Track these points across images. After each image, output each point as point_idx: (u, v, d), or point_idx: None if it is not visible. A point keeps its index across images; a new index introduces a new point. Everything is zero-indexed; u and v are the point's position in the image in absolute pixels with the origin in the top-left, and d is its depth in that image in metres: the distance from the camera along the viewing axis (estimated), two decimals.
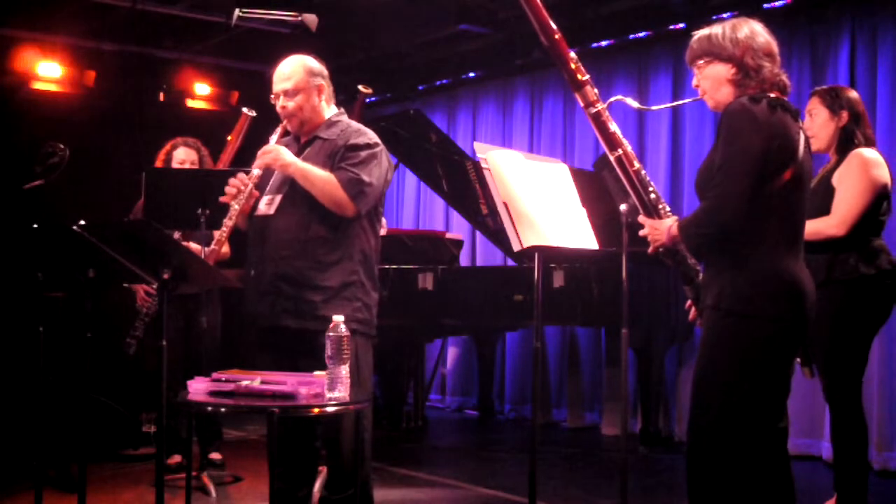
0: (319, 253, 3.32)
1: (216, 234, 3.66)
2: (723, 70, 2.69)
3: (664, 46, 6.41)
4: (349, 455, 3.30)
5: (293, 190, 3.35)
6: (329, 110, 3.50)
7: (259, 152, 3.37)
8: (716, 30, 2.72)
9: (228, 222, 3.47)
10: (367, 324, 3.39)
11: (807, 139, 2.71)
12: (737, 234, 2.59)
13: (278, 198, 3.39)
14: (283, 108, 3.42)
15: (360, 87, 5.59)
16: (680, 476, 2.79)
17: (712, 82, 2.72)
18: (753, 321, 2.58)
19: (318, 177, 3.29)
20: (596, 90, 2.85)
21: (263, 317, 3.38)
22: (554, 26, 2.85)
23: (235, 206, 3.41)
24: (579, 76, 2.84)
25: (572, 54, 2.85)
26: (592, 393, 6.67)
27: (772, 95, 2.63)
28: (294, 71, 3.42)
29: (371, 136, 3.43)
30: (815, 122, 3.81)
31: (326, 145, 3.41)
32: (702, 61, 2.73)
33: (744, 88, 2.66)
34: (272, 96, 3.46)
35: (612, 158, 2.85)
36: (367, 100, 7.12)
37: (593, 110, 2.84)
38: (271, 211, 3.38)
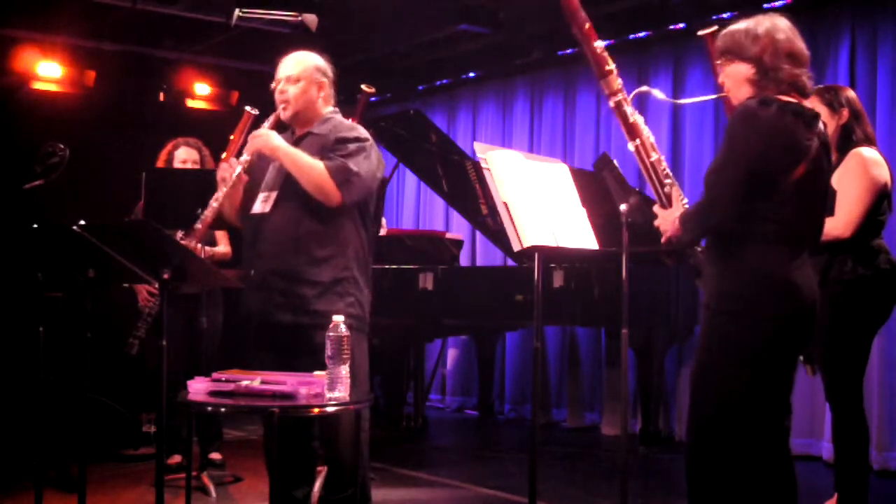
0: (312, 248, 3.32)
1: (206, 213, 3.62)
2: (743, 69, 2.68)
3: (664, 46, 6.41)
4: (347, 455, 3.31)
5: (287, 187, 3.36)
6: (325, 109, 3.51)
7: (249, 137, 3.40)
8: (740, 26, 2.70)
9: (214, 203, 3.48)
10: (359, 319, 3.39)
11: (825, 144, 2.69)
12: (733, 233, 2.59)
13: (273, 195, 3.40)
14: (282, 92, 3.45)
15: (363, 87, 5.58)
16: (680, 476, 2.79)
17: (733, 81, 2.72)
18: (744, 320, 2.59)
19: (305, 162, 3.30)
20: (620, 80, 2.86)
21: (257, 312, 3.38)
22: (584, 14, 2.86)
23: (223, 188, 3.42)
24: (605, 65, 2.84)
25: (600, 43, 2.86)
26: (592, 393, 6.67)
27: (786, 99, 2.61)
28: (301, 61, 3.47)
29: (361, 131, 3.45)
30: None
31: (317, 140, 3.42)
32: (724, 59, 2.73)
33: (762, 89, 2.64)
34: (274, 83, 3.48)
35: (630, 148, 2.86)
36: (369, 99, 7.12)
37: (616, 99, 2.85)
38: (266, 209, 3.39)
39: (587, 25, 2.86)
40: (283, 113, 3.47)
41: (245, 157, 3.40)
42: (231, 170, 3.41)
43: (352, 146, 3.36)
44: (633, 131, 2.85)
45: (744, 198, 2.56)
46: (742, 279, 2.60)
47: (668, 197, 2.82)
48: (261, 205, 3.43)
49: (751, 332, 2.59)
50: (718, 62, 2.76)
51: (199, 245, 4.13)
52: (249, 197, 3.50)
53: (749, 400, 2.61)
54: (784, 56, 2.65)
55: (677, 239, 2.79)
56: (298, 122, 3.49)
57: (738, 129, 2.59)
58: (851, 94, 3.85)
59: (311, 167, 3.30)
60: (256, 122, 4.44)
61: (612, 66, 2.85)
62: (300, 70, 3.44)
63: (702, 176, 2.76)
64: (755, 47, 2.65)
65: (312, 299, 3.29)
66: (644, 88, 3.01)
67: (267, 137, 3.36)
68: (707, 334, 2.67)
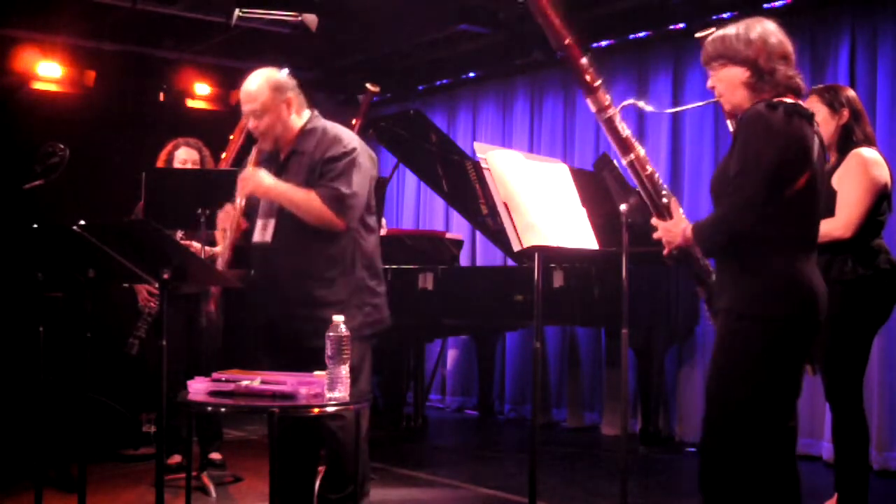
0: (322, 270, 3.34)
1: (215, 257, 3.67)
2: (737, 73, 2.67)
3: (664, 46, 6.40)
4: (347, 454, 3.30)
5: (284, 214, 3.35)
6: (301, 119, 3.47)
7: (239, 179, 3.37)
8: (730, 31, 2.70)
9: (221, 261, 3.48)
10: (379, 322, 3.46)
11: (822, 143, 2.70)
12: (751, 238, 2.59)
13: (272, 223, 3.39)
14: (255, 128, 3.42)
15: (368, 86, 5.58)
16: (680, 476, 2.80)
17: (727, 85, 2.71)
18: (767, 323, 2.59)
19: (301, 198, 3.30)
20: (608, 95, 2.84)
21: (285, 339, 3.38)
22: (565, 31, 2.84)
23: (226, 239, 3.45)
24: (591, 81, 2.83)
25: (584, 60, 2.84)
26: (592, 393, 6.67)
27: (788, 101, 2.61)
28: (259, 91, 3.40)
29: (346, 141, 3.40)
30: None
31: (305, 159, 3.39)
32: (716, 63, 2.72)
33: (759, 92, 2.65)
34: (243, 118, 3.47)
35: (624, 163, 2.85)
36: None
37: (605, 115, 2.83)
38: (268, 238, 3.39)
39: (567, 41, 2.84)
40: (265, 144, 3.44)
41: (240, 202, 3.38)
42: (230, 219, 3.40)
43: (341, 164, 3.33)
44: (625, 146, 2.84)
45: (763, 204, 2.55)
46: (768, 283, 2.60)
47: (667, 208, 2.82)
48: (260, 233, 3.42)
49: (776, 334, 2.59)
50: (710, 66, 2.75)
51: (200, 245, 4.14)
52: (248, 219, 3.50)
53: (766, 401, 2.61)
54: (778, 58, 2.66)
55: (678, 250, 2.79)
56: (280, 144, 3.45)
57: (751, 133, 2.57)
58: (851, 93, 3.85)
59: (306, 203, 3.29)
60: None
61: (598, 80, 2.83)
62: (262, 102, 3.37)
63: (702, 180, 2.76)
64: (749, 50, 2.65)
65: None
66: (630, 101, 2.98)
67: (257, 179, 3.33)
68: (728, 338, 2.66)
